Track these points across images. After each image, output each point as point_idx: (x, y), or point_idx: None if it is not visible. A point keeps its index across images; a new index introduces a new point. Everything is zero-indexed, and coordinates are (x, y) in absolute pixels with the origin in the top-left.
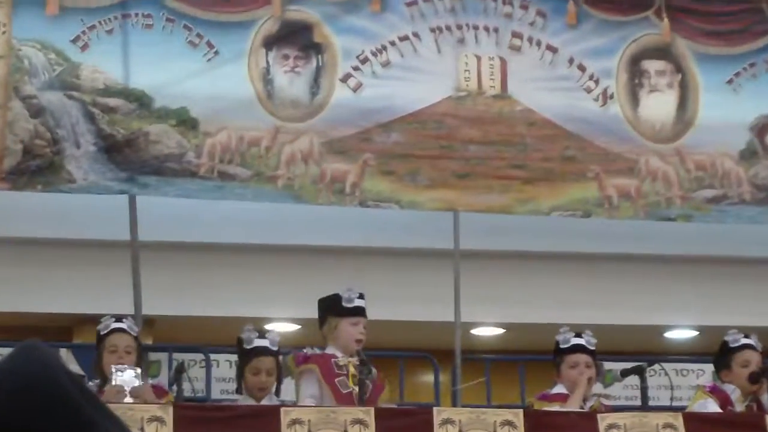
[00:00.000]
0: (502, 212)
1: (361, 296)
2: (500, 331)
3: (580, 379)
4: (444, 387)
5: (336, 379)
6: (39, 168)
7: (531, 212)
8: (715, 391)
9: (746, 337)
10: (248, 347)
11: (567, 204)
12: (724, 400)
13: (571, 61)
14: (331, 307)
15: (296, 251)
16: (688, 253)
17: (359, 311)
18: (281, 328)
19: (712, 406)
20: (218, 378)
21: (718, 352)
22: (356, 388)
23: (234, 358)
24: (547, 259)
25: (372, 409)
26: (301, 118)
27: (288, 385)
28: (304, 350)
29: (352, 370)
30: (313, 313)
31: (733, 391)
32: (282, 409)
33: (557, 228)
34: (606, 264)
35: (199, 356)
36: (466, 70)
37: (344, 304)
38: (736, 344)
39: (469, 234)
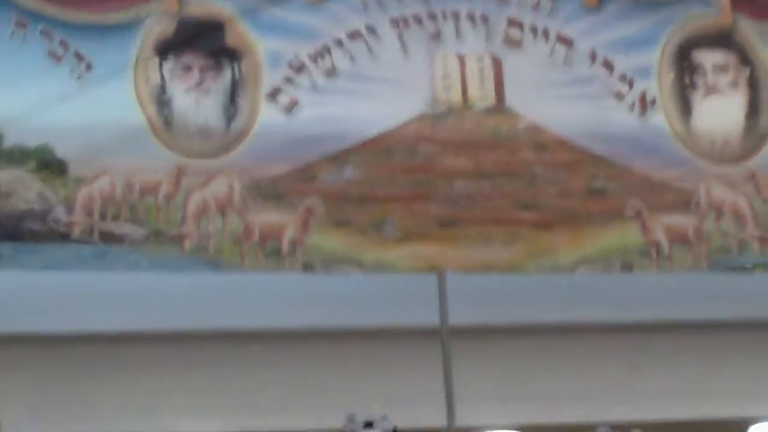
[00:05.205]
0: (506, 271)
1: (368, 425)
2: None
3: None
4: None
5: None
6: None
7: (548, 269)
8: None
9: None
10: None
11: (598, 255)
12: None
13: (593, 57)
14: None
15: (217, 339)
16: None
17: None
18: None
19: None
20: None
21: None
22: None
23: None
24: (572, 335)
25: None
26: (213, 152)
27: None
28: None
29: None
30: (246, 424)
31: None
32: None
33: (585, 289)
34: (656, 337)
35: None
36: (445, 76)
37: None
38: None
39: (462, 303)
